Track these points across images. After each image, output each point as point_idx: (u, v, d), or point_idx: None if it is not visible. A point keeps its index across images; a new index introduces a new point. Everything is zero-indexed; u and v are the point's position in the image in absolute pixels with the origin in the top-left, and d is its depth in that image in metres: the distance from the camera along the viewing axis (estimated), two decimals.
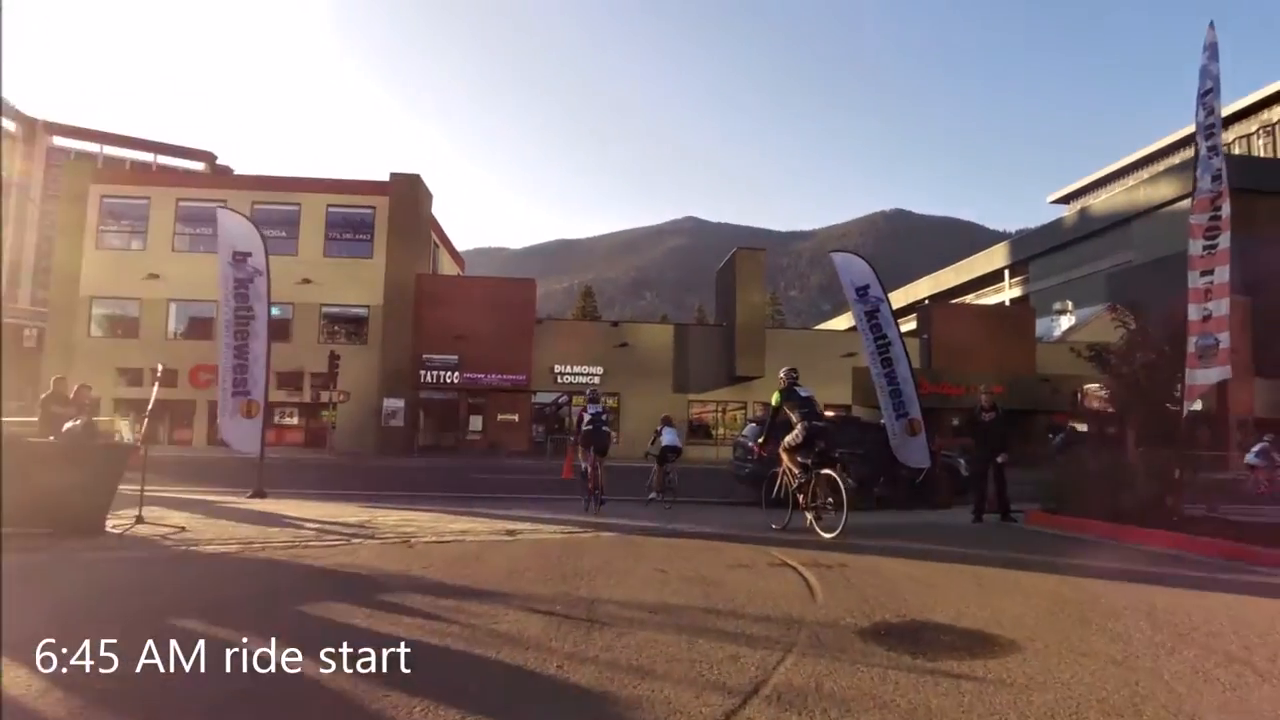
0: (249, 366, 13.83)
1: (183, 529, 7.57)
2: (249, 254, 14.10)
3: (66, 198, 34.14)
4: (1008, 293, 59.04)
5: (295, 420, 34.13)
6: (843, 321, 69.45)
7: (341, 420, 33.25)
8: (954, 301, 56.79)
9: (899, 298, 66.66)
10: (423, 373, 33.33)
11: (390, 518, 9.39)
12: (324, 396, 31.84)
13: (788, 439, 9.14)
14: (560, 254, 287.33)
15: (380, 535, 7.59)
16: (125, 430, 33.22)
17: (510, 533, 8.06)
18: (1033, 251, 58.72)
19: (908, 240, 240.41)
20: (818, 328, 66.93)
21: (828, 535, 8.32)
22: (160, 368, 9.21)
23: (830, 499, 8.55)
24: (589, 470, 11.80)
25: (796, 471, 9.07)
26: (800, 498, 8.99)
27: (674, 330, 36.27)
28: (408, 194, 34.74)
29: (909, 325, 53.37)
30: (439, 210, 41.61)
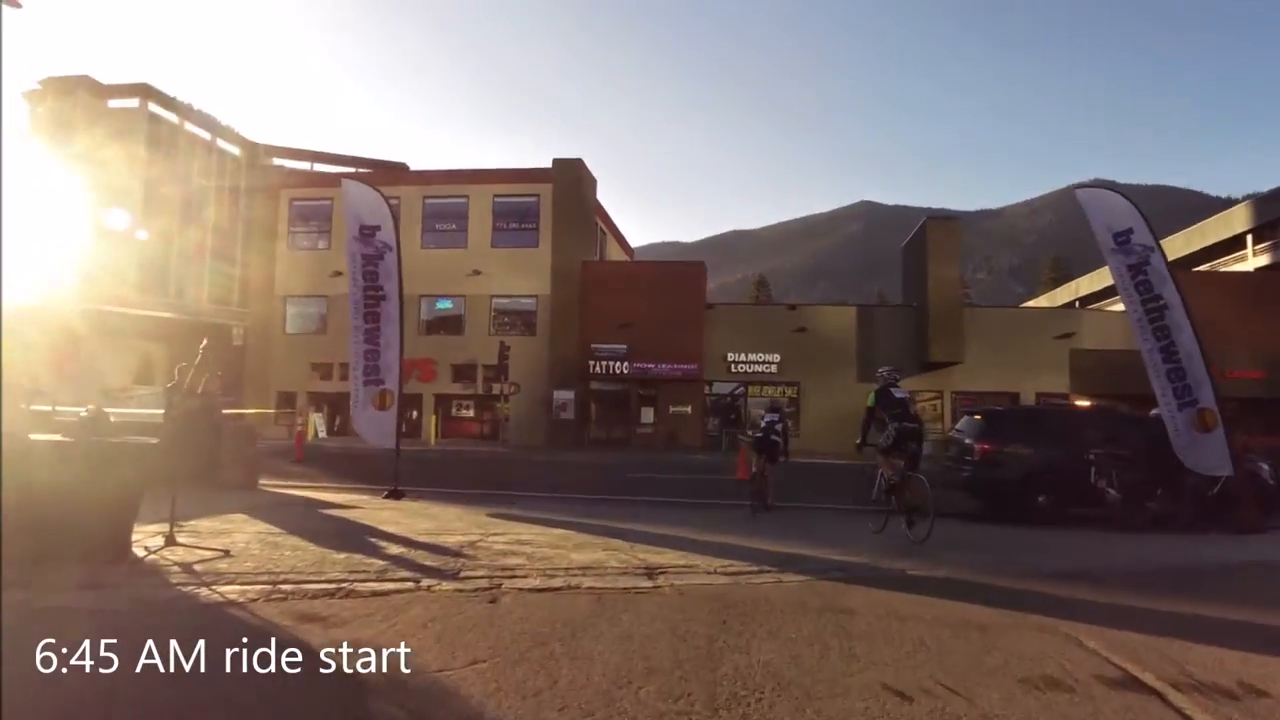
0: (381, 353, 12.42)
1: (225, 552, 5.85)
2: (377, 227, 12.65)
3: (261, 203, 35.95)
4: (1252, 261, 49.18)
5: (470, 413, 33.94)
6: (1044, 303, 61.59)
7: (514, 413, 32.59)
8: (1199, 269, 48.00)
9: (1107, 274, 57.49)
10: (591, 363, 31.95)
11: (505, 536, 7.32)
12: (495, 389, 31.23)
13: (880, 440, 8.95)
14: (733, 244, 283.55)
15: (469, 571, 5.46)
16: (319, 424, 34.57)
17: (650, 572, 5.67)
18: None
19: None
20: (1025, 305, 59.46)
21: (915, 542, 7.94)
22: (205, 341, 7.35)
23: (918, 504, 8.31)
24: (758, 474, 11.29)
25: (890, 473, 8.82)
26: (895, 499, 8.69)
27: (857, 312, 32.54)
28: (571, 179, 33.49)
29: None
30: (605, 198, 40.25)
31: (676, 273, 32.61)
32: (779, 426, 11.56)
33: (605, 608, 4.42)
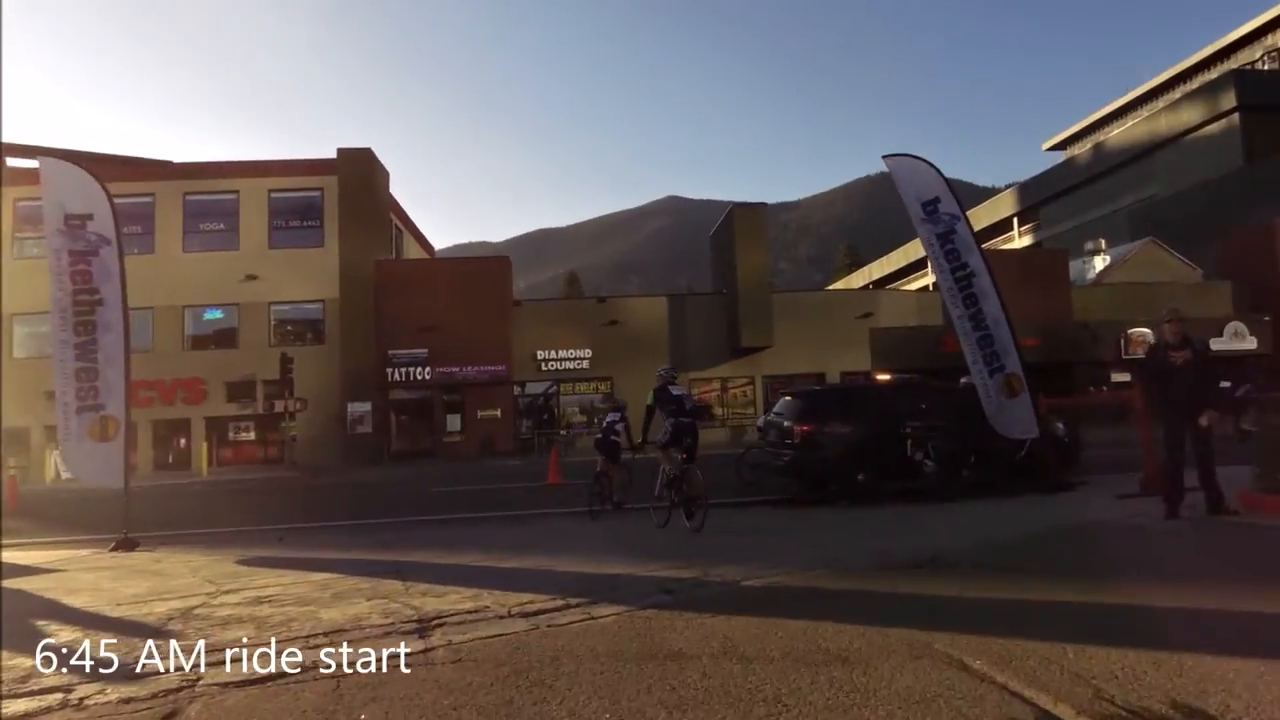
0: (100, 371, 9.95)
1: None
2: (89, 216, 10.17)
3: None
4: (1018, 241, 55.51)
5: (250, 435, 30.27)
6: (841, 287, 66.01)
7: (302, 432, 29.42)
8: (1025, 229, 53.02)
9: (898, 258, 63.12)
10: (390, 370, 29.50)
11: (243, 593, 5.67)
12: (278, 406, 27.98)
13: (659, 436, 9.31)
14: (542, 243, 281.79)
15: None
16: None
17: (422, 627, 4.34)
18: (1043, 196, 55.14)
19: (897, 203, 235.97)
20: (830, 288, 62.99)
21: (693, 531, 8.33)
22: None
23: (695, 495, 8.62)
24: (600, 473, 11.12)
25: (669, 467, 9.15)
26: (675, 492, 8.93)
27: (668, 303, 32.46)
28: (359, 171, 30.75)
29: (923, 280, 49.81)
30: (404, 198, 37.60)
31: (480, 269, 30.86)
32: (619, 426, 11.29)
33: (341, 703, 3.08)
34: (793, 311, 31.76)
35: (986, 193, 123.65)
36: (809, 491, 11.46)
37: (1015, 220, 57.22)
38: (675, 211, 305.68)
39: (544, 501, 12.80)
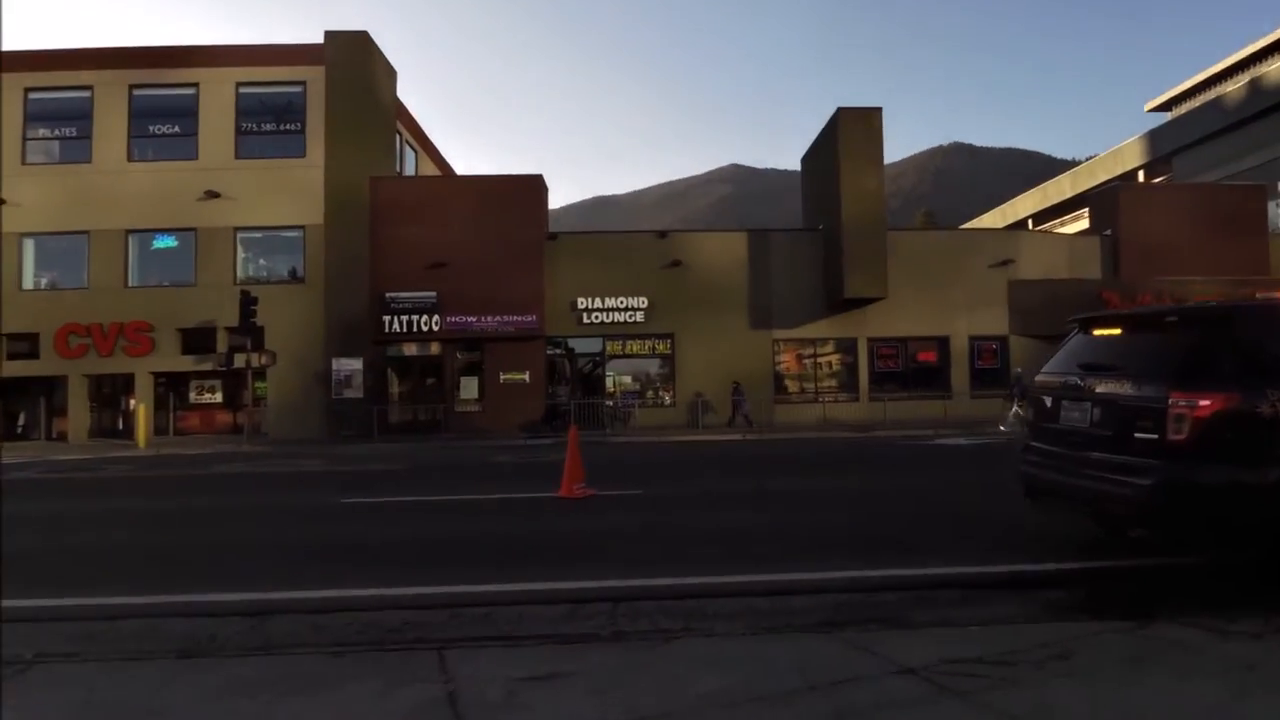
0: None
1: None
2: None
3: None
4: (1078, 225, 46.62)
5: (217, 398, 23.81)
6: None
7: (275, 395, 22.89)
8: (1041, 228, 44.32)
9: (1034, 198, 53.88)
10: (387, 319, 22.72)
11: None
12: (239, 360, 21.41)
13: None
14: (599, 211, 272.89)
15: None
16: None
17: None
18: (1183, 142, 46.07)
19: (969, 177, 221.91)
20: (964, 226, 53.90)
21: None
22: None
23: None
24: None
25: None
26: None
27: (748, 240, 24.95)
28: (353, 61, 23.73)
29: (1079, 224, 41.36)
30: (450, 151, 30.47)
31: (505, 190, 23.68)
32: None
33: None
34: (906, 257, 24.16)
35: (1064, 165, 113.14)
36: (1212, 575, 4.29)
37: (1141, 174, 48.32)
38: (738, 179, 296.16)
39: (543, 551, 5.96)
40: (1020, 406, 20.13)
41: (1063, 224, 46.14)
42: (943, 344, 24.74)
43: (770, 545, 6.02)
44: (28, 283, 23.41)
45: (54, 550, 6.56)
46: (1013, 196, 58.88)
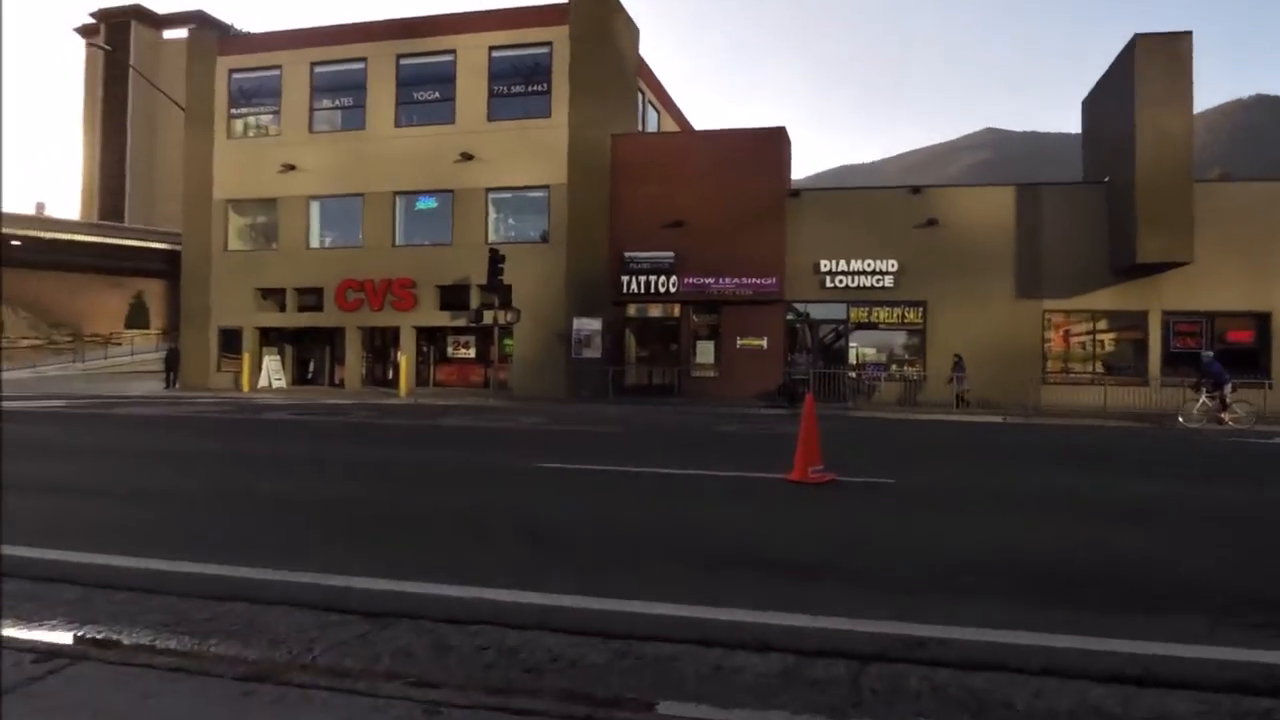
0: None
1: None
2: None
3: (194, 82, 27.06)
4: None
5: (471, 353, 25.25)
6: None
7: (519, 352, 23.83)
8: None
9: None
10: (625, 279, 22.74)
11: None
12: (488, 316, 22.41)
13: None
14: (845, 181, 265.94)
15: None
16: (274, 371, 26.49)
17: None
18: None
19: (1273, 131, 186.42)
20: None
21: None
22: None
23: None
24: None
25: None
26: None
27: (1016, 194, 22.09)
28: (596, 18, 23.56)
29: None
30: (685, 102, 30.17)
31: (746, 145, 22.62)
32: None
33: None
34: (1214, 214, 20.16)
35: None
36: None
37: None
38: (994, 145, 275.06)
39: (759, 558, 4.52)
40: (1209, 397, 16.55)
41: None
42: (1261, 321, 20.64)
43: (1078, 585, 3.96)
44: (314, 241, 25.96)
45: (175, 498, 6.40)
46: None
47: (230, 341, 26.09)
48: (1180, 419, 16.96)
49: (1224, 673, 2.78)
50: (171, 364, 27.63)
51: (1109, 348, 21.74)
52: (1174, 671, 2.78)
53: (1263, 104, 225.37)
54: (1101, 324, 21.67)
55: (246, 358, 24.95)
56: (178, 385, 26.59)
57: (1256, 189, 21.49)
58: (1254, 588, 4.02)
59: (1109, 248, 20.98)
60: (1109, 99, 22.24)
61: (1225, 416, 16.70)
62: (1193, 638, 3.15)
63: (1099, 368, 21.55)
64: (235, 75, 26.57)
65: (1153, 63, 19.96)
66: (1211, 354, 18.48)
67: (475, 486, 7.30)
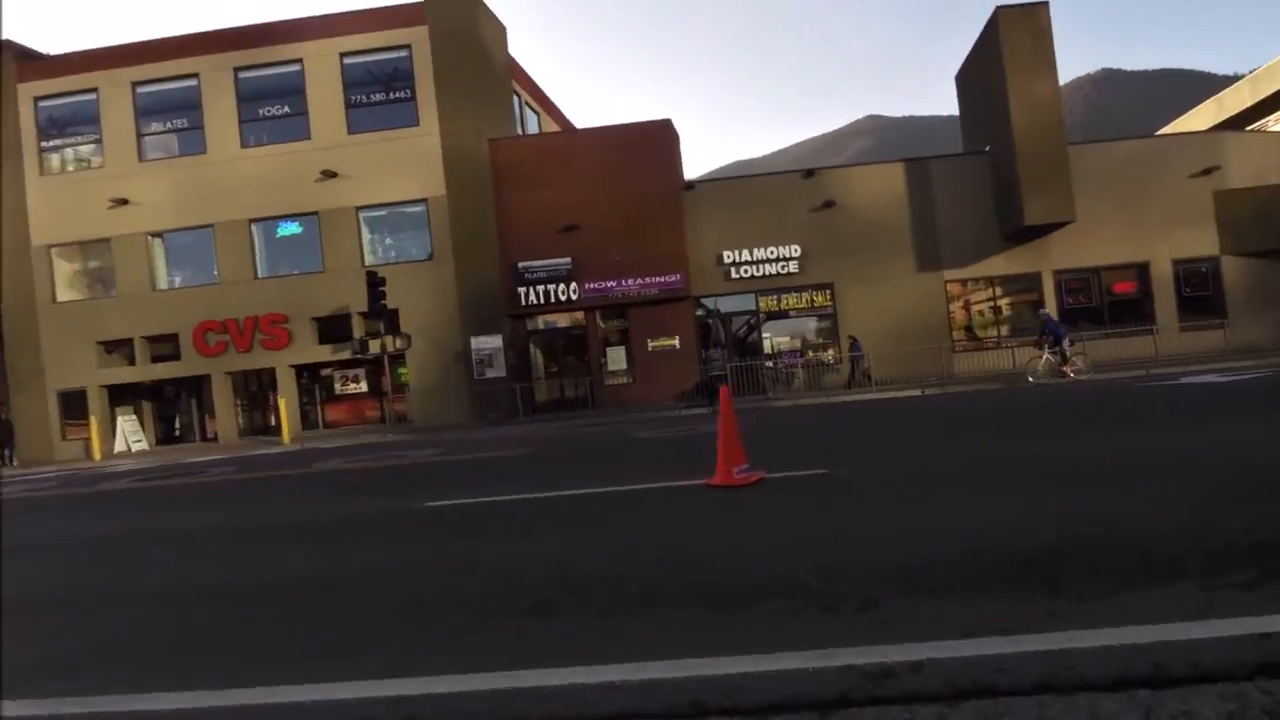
0: None
1: None
2: None
3: None
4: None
5: (363, 387, 23.05)
6: None
7: (418, 378, 21.97)
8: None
9: (1243, 92, 44.11)
10: (522, 290, 21.32)
11: None
12: (374, 345, 20.47)
13: None
14: (741, 175, 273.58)
15: None
16: (131, 433, 23.38)
17: None
18: None
19: (1123, 105, 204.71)
20: (1159, 133, 44.73)
21: None
22: None
23: None
24: None
25: None
26: None
27: (905, 171, 22.18)
28: (455, 16, 21.90)
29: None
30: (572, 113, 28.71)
31: (634, 140, 21.66)
32: None
33: None
34: (1090, 174, 20.95)
35: (1226, 81, 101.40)
36: None
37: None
38: (876, 131, 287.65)
39: (680, 583, 3.33)
40: (1051, 353, 17.29)
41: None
42: (1142, 271, 21.63)
43: (1057, 562, 3.29)
44: (161, 283, 23.01)
45: None
46: (1174, 120, 50.13)
47: (74, 405, 22.78)
48: (1030, 378, 17.34)
49: (1240, 651, 2.13)
50: (4, 438, 23.91)
51: (1007, 312, 22.23)
52: (1186, 660, 2.12)
53: (1111, 78, 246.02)
54: (999, 289, 22.13)
55: (94, 422, 21.79)
56: (15, 462, 23.03)
57: (1126, 147, 22.51)
58: (1221, 537, 3.39)
59: (998, 214, 21.39)
60: (980, 71, 22.69)
61: (1068, 369, 17.20)
62: (1191, 612, 2.49)
63: (1004, 331, 22.00)
64: (42, 103, 23.13)
65: (1016, 33, 20.44)
66: (1048, 312, 19.32)
67: (335, 543, 5.78)
